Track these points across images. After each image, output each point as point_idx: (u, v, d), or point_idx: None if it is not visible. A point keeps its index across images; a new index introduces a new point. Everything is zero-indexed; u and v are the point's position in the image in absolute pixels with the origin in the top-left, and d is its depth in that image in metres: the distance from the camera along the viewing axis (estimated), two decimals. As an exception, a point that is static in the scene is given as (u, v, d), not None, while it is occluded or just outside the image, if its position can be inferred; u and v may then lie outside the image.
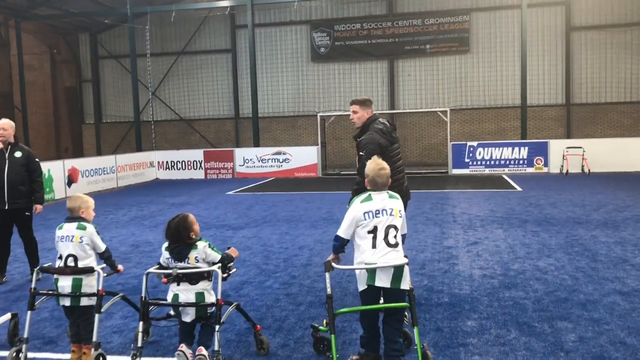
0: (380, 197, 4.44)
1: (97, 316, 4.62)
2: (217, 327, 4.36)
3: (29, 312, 4.80)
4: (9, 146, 7.19)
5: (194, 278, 4.47)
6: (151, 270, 4.60)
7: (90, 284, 4.78)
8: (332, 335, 4.21)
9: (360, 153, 5.82)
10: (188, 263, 4.49)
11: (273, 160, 21.68)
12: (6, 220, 7.32)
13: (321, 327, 4.82)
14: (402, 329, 4.55)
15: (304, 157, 21.44)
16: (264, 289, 6.84)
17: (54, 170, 16.59)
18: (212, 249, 4.60)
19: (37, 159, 7.40)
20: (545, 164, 20.27)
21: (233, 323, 5.55)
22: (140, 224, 11.84)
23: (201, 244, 4.55)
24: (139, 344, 4.43)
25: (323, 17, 25.89)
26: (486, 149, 20.76)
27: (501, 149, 20.67)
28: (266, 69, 26.38)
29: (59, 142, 29.24)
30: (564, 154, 19.86)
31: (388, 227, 4.35)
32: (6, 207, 7.15)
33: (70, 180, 17.47)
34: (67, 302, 4.74)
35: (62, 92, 28.91)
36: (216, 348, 4.31)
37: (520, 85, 22.17)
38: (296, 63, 26.23)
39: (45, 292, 4.90)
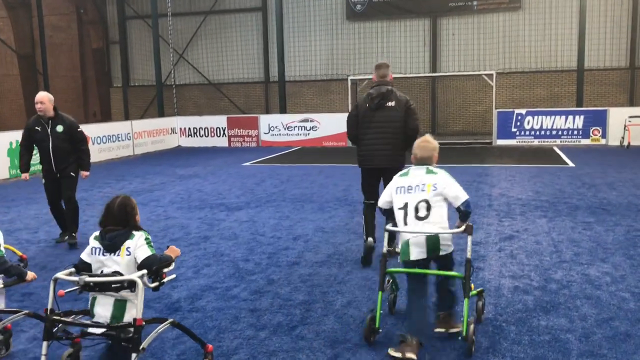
0: (418, 172, 4.42)
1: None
2: (134, 355, 3.35)
3: None
4: (50, 120, 7.26)
5: (110, 288, 3.47)
6: (59, 275, 3.54)
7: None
8: (380, 292, 4.30)
9: None
10: (117, 256, 3.56)
11: (300, 128, 20.09)
12: (56, 185, 7.53)
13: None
14: (453, 293, 4.44)
15: (333, 124, 19.74)
16: (226, 299, 5.36)
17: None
18: (148, 244, 3.63)
19: (79, 129, 7.48)
20: (603, 135, 17.98)
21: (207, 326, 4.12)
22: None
23: (138, 234, 3.65)
24: None
25: (360, -29, 23.80)
26: (536, 117, 18.59)
27: (553, 117, 18.45)
28: (297, 29, 24.58)
29: (87, 106, 28.41)
30: (626, 124, 17.52)
31: (419, 203, 4.29)
32: (58, 176, 7.44)
33: (79, 147, 16.35)
34: None
35: (89, 54, 27.92)
36: None
37: (577, 46, 19.77)
38: (330, 22, 24.31)
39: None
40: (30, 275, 3.99)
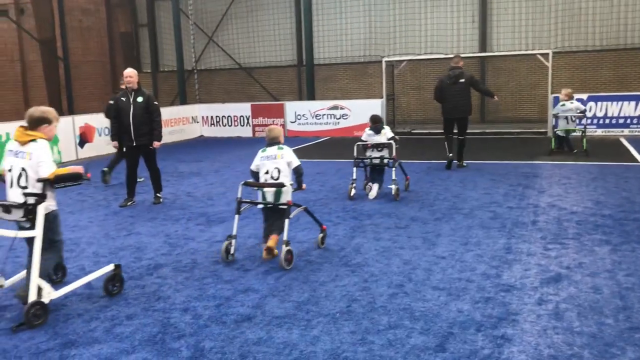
0: None
1: (286, 221, 5.75)
2: (393, 168, 8.60)
3: (236, 216, 6.09)
4: (133, 92, 8.55)
5: (380, 146, 8.71)
6: (359, 143, 8.80)
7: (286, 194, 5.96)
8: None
9: None
10: (380, 135, 8.68)
11: (329, 117, 18.23)
12: (135, 154, 8.85)
13: None
14: None
15: (365, 112, 17.72)
16: (117, 390, 3.65)
17: (60, 128, 14.17)
18: (390, 130, 8.94)
19: (155, 102, 8.75)
20: (682, 124, 15.34)
21: None
22: (107, 207, 9.03)
23: (387, 126, 8.95)
24: (354, 176, 8.81)
25: (400, -59, 21.50)
26: (600, 103, 16.07)
27: (620, 103, 15.89)
28: (331, 7, 22.58)
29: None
30: None
31: None
32: (134, 144, 8.68)
33: (83, 139, 15.11)
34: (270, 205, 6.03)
35: (117, 38, 26.81)
36: (394, 177, 8.61)
37: (651, 19, 17.00)
38: (367, -1, 22.19)
39: (247, 201, 6.12)
40: (304, 185, 6.27)
